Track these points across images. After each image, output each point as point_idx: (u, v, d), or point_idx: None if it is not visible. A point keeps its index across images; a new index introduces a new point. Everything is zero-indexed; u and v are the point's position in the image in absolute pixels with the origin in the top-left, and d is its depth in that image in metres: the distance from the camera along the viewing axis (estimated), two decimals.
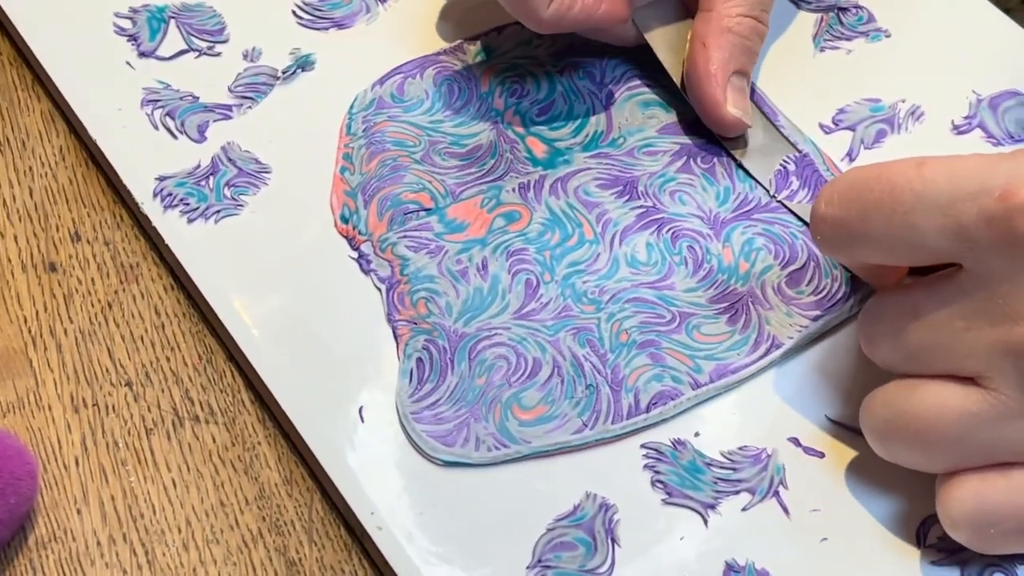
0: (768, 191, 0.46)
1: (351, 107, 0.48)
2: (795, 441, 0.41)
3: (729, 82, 0.46)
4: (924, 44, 0.50)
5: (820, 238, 0.38)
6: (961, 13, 0.51)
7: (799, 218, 0.45)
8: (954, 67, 0.50)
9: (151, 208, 0.46)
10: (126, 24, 0.50)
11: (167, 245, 0.45)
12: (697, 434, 0.41)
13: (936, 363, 0.37)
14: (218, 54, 0.50)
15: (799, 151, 0.47)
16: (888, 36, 0.51)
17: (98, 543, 0.40)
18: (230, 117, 0.48)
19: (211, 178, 0.46)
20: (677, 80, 0.48)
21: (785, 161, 0.46)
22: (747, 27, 0.47)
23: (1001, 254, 0.34)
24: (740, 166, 0.47)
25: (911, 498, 0.40)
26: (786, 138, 0.47)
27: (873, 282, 0.41)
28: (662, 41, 0.48)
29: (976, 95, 0.48)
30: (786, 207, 0.46)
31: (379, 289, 0.44)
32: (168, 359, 0.44)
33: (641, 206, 0.46)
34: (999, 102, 0.48)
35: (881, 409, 0.38)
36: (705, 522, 0.40)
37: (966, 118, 0.48)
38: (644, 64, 0.49)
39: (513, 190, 0.46)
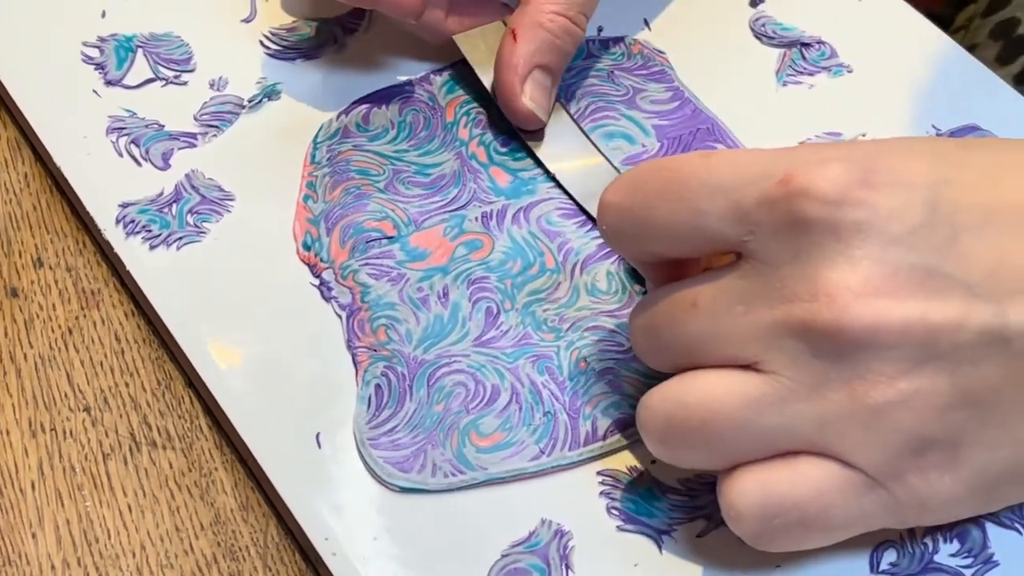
0: (563, 188, 0.47)
1: (316, 136, 0.49)
2: None
3: (531, 75, 0.47)
4: (885, 79, 0.51)
5: (606, 228, 0.39)
6: (922, 49, 0.51)
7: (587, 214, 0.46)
8: (915, 102, 0.50)
9: (113, 234, 0.46)
10: (94, 53, 0.51)
11: (128, 271, 0.45)
12: (654, 462, 0.41)
13: (716, 352, 0.36)
14: (185, 83, 0.50)
15: (605, 157, 0.48)
16: (850, 71, 0.51)
17: (52, 567, 0.40)
18: (195, 145, 0.48)
19: (174, 205, 0.47)
20: (487, 82, 0.49)
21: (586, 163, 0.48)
22: (559, 25, 0.47)
23: (780, 237, 0.35)
24: (535, 159, 0.48)
25: None
26: (595, 146, 0.48)
27: (656, 281, 0.40)
28: (476, 46, 0.49)
29: (936, 129, 0.49)
30: (578, 205, 0.47)
31: (339, 316, 0.44)
32: (127, 384, 0.44)
33: None
34: (959, 136, 0.49)
35: (660, 404, 0.37)
36: (660, 548, 0.40)
37: None
38: (609, 96, 0.50)
39: (476, 219, 0.47)
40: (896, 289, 0.34)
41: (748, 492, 0.36)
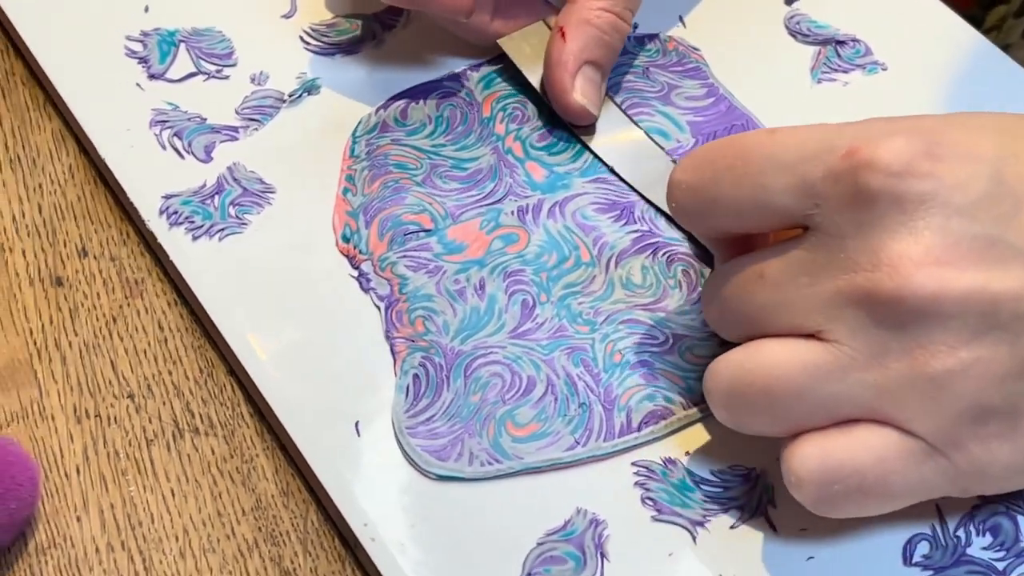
0: (618, 176, 0.48)
1: (355, 130, 0.49)
2: None
3: (581, 71, 0.48)
4: (920, 77, 0.51)
5: (675, 205, 0.40)
6: (957, 47, 0.52)
7: (651, 203, 0.47)
8: (949, 100, 0.50)
9: (157, 225, 0.47)
10: (137, 47, 0.52)
11: (171, 261, 0.46)
12: (688, 453, 0.42)
13: (780, 321, 0.37)
14: (226, 77, 0.51)
15: (657, 144, 0.49)
16: (885, 69, 0.51)
17: (96, 550, 0.41)
18: (236, 138, 0.49)
19: (216, 197, 0.47)
20: (536, 81, 0.50)
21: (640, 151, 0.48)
22: (607, 21, 0.48)
23: (845, 209, 0.36)
24: (591, 152, 0.49)
25: (897, 517, 0.40)
26: (647, 135, 0.49)
27: (724, 257, 0.41)
28: (520, 48, 0.50)
29: None
30: (636, 191, 0.48)
31: (378, 307, 0.45)
32: (170, 372, 0.45)
33: (637, 230, 0.47)
34: None
35: (725, 371, 0.38)
36: (694, 539, 0.40)
37: None
38: (644, 92, 0.50)
39: (512, 213, 0.47)
40: (958, 259, 0.35)
41: (809, 458, 0.37)
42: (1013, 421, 0.36)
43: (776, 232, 0.39)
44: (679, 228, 0.47)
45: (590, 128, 0.49)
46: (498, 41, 0.50)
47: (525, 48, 0.50)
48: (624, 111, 0.50)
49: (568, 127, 0.49)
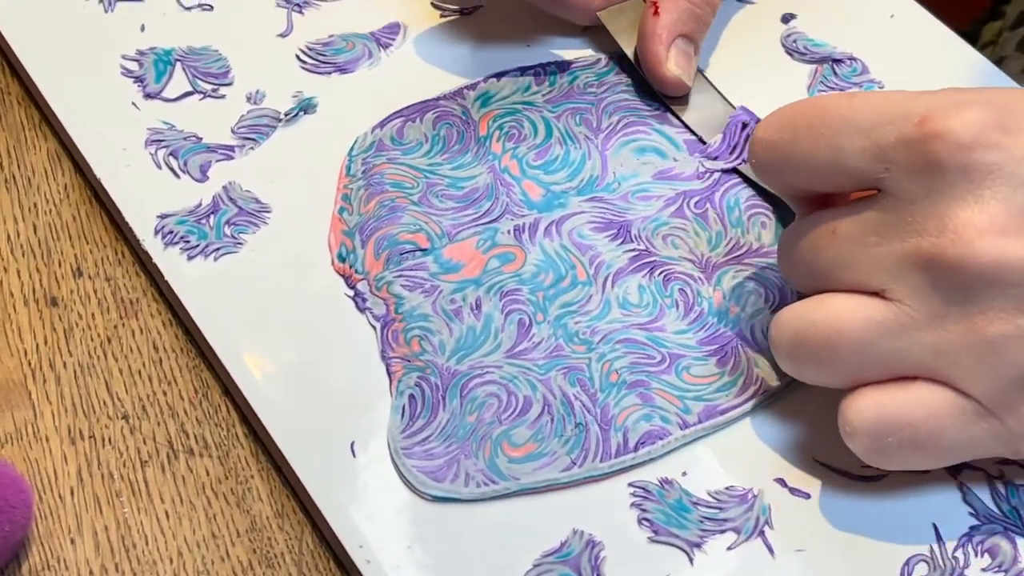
0: (703, 141, 0.49)
1: (351, 149, 0.49)
2: (781, 482, 0.42)
3: (674, 43, 0.50)
4: None
5: (755, 161, 0.41)
6: (953, 65, 0.52)
7: (738, 173, 0.48)
8: None
9: (152, 245, 0.46)
10: (133, 66, 0.52)
11: (167, 281, 0.46)
12: (684, 473, 0.42)
13: (847, 277, 0.39)
14: (222, 96, 0.51)
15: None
16: (881, 87, 0.51)
17: (90, 572, 0.41)
18: (232, 157, 0.49)
19: (212, 216, 0.47)
20: (631, 53, 0.51)
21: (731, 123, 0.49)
22: None
23: (914, 175, 0.37)
24: (683, 123, 0.50)
25: (895, 539, 0.40)
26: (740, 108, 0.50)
27: (803, 213, 0.42)
28: (617, 20, 0.52)
29: None
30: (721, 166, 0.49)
31: (374, 327, 0.45)
32: (165, 393, 0.44)
33: (634, 249, 0.46)
34: None
35: (791, 321, 0.40)
36: (691, 560, 0.40)
37: None
38: (640, 111, 0.50)
39: (508, 232, 0.47)
40: (1021, 229, 0.36)
41: (865, 409, 0.38)
42: None
43: (853, 192, 0.40)
44: (675, 247, 0.46)
45: (683, 99, 0.50)
46: (598, 14, 0.52)
47: (622, 21, 0.52)
48: (714, 85, 0.51)
49: (661, 98, 0.50)
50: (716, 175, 0.48)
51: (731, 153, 0.49)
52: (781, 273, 0.42)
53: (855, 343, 0.38)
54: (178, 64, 0.52)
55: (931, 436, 0.38)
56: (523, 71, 0.52)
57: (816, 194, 0.41)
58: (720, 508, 0.41)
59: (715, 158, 0.49)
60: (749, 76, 0.52)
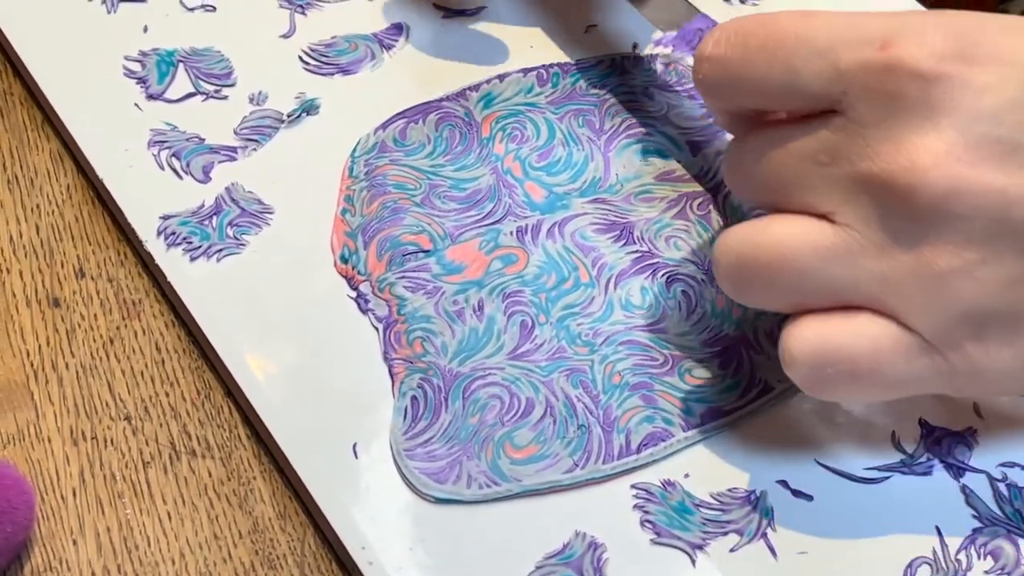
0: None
1: (354, 150, 0.49)
2: (784, 484, 0.42)
3: None
4: None
5: (701, 77, 0.39)
6: None
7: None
8: None
9: (154, 246, 0.46)
10: (135, 67, 0.51)
11: (169, 282, 0.46)
12: (687, 475, 0.42)
13: (796, 196, 0.37)
14: (225, 97, 0.51)
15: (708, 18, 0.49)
16: None
17: (92, 574, 0.41)
18: (235, 159, 0.49)
19: (214, 217, 0.47)
20: None
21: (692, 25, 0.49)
22: None
23: (872, 100, 0.36)
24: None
25: (897, 541, 0.40)
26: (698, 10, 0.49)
27: (738, 133, 0.41)
28: None
29: None
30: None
31: (376, 328, 0.45)
32: (167, 394, 0.44)
33: (637, 251, 0.46)
34: None
35: (735, 243, 0.38)
36: (693, 562, 0.40)
37: None
38: (643, 113, 0.50)
39: (511, 233, 0.47)
40: (978, 161, 0.35)
41: (805, 338, 0.37)
42: (1014, 326, 0.36)
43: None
44: (678, 248, 0.46)
45: None
46: None
47: None
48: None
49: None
50: (719, 178, 0.48)
51: (685, 45, 0.48)
52: (727, 184, 0.41)
53: (801, 268, 0.37)
54: (181, 65, 0.52)
55: (872, 369, 0.37)
56: (526, 72, 0.52)
57: (756, 113, 0.40)
58: (723, 510, 0.41)
59: (663, 44, 0.48)
60: None
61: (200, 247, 0.47)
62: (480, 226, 0.47)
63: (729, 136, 0.49)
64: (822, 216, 0.37)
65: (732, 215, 0.47)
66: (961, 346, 0.36)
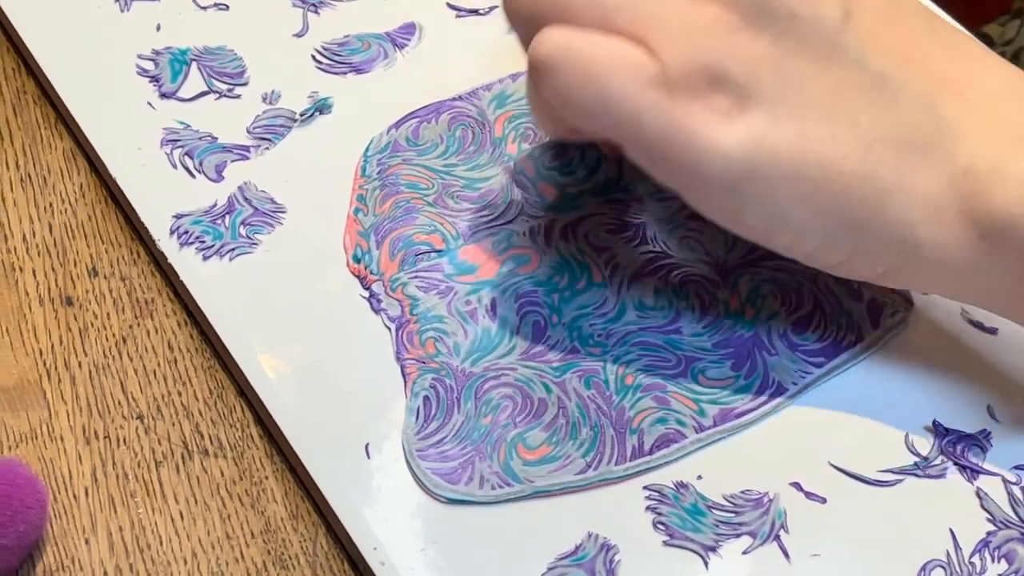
0: None
1: (366, 150, 0.49)
2: (797, 486, 0.41)
3: None
4: None
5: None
6: None
7: None
8: None
9: (167, 245, 0.46)
10: (148, 65, 0.51)
11: (182, 281, 0.46)
12: (700, 477, 0.42)
13: None
14: (238, 96, 0.51)
15: None
16: None
17: (105, 573, 0.41)
18: (247, 158, 0.49)
19: (227, 217, 0.47)
20: None
21: None
22: None
23: None
24: None
25: (911, 544, 0.40)
26: None
27: None
28: None
29: None
30: None
31: (388, 328, 0.45)
32: (180, 393, 0.44)
33: (650, 251, 0.46)
34: None
35: None
36: (706, 564, 0.40)
37: None
38: None
39: (524, 233, 0.47)
40: None
41: (551, 40, 0.38)
42: (743, 100, 0.37)
43: None
44: (692, 249, 0.46)
45: None
46: None
47: None
48: None
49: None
50: None
51: None
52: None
53: None
54: (194, 64, 0.52)
55: (605, 75, 0.37)
56: None
57: None
58: (735, 512, 0.41)
59: None
60: None
61: (213, 246, 0.46)
62: (493, 226, 0.47)
63: None
64: None
65: None
66: (691, 99, 0.37)
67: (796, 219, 0.38)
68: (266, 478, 0.43)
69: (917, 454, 0.42)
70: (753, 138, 0.37)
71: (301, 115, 0.50)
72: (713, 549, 0.40)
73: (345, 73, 0.52)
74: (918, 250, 0.38)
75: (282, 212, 0.48)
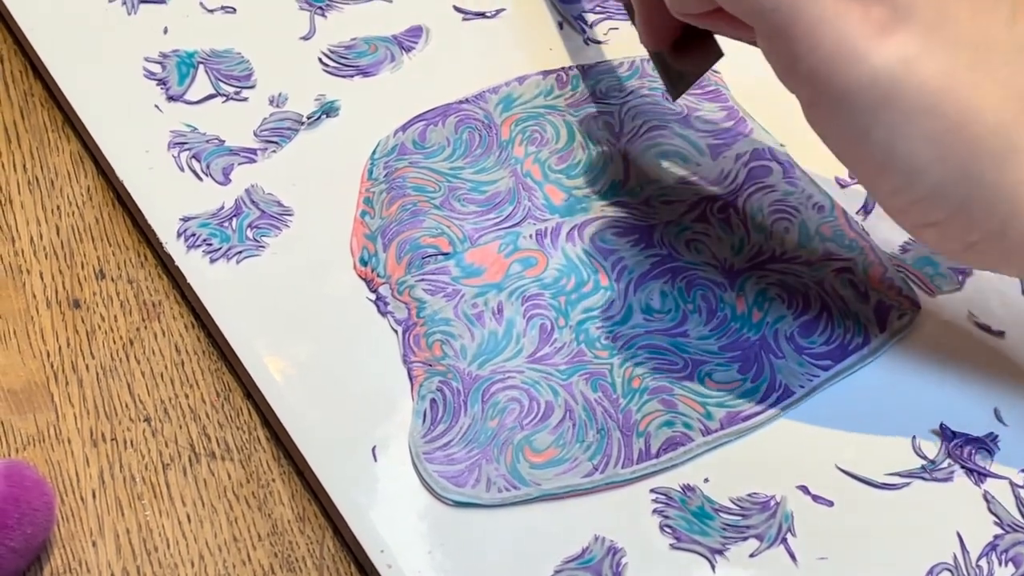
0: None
1: (373, 153, 0.49)
2: (804, 489, 0.41)
3: None
4: None
5: None
6: None
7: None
8: None
9: (174, 248, 0.47)
10: (156, 68, 0.52)
11: (189, 284, 0.46)
12: (707, 480, 0.42)
13: None
14: (245, 99, 0.51)
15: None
16: None
17: (112, 575, 0.41)
18: (254, 160, 0.49)
19: (234, 219, 0.47)
20: None
21: None
22: None
23: None
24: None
25: (918, 548, 0.40)
26: None
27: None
28: None
29: None
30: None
31: (395, 331, 0.45)
32: (187, 396, 0.44)
33: (657, 254, 0.46)
34: None
35: None
36: (713, 567, 0.40)
37: None
38: (663, 116, 0.50)
39: (530, 236, 0.47)
40: None
41: None
42: (902, 20, 0.36)
43: None
44: (698, 252, 0.46)
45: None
46: None
47: None
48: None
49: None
50: (739, 181, 0.48)
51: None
52: None
53: None
54: (201, 67, 0.52)
55: None
56: (545, 75, 0.52)
57: None
58: (742, 515, 0.41)
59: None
60: (770, 80, 0.52)
61: (220, 249, 0.47)
62: (499, 229, 0.47)
63: (746, 136, 0.49)
64: None
65: (752, 218, 0.47)
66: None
67: (917, 159, 0.37)
68: (273, 480, 0.43)
69: (924, 457, 0.42)
70: (902, 59, 0.36)
71: (308, 118, 0.50)
72: (720, 552, 0.40)
73: (352, 76, 0.52)
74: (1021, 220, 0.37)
75: (289, 215, 0.48)
